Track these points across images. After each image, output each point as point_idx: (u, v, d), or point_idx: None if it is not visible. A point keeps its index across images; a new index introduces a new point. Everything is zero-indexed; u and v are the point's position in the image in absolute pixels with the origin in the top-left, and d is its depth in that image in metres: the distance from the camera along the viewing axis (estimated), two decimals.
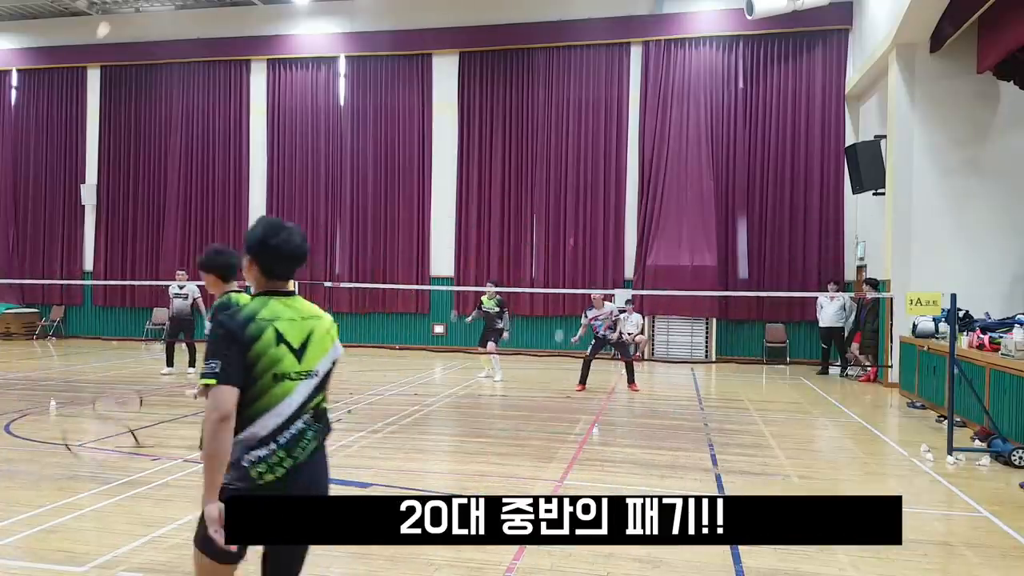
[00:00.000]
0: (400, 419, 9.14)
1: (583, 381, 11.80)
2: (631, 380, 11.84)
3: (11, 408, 9.49)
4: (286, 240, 2.82)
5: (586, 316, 11.90)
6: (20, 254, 20.24)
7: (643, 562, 4.62)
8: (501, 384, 12.36)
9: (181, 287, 12.87)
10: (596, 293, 11.97)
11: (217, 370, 2.62)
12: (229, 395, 2.61)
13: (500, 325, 12.59)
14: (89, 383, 11.97)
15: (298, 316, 2.82)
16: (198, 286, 12.81)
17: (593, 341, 11.80)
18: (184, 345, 13.05)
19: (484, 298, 12.78)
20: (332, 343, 2.93)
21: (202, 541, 2.69)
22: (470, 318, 13.16)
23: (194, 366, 13.00)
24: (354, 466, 6.85)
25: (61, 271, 19.80)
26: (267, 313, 2.75)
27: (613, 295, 12.37)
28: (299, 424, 2.78)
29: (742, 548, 4.85)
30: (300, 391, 2.78)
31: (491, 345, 12.71)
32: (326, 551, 4.74)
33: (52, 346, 18.22)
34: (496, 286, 13.32)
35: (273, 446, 2.71)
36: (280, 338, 2.73)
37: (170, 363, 12.98)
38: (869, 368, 13.35)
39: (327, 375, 2.90)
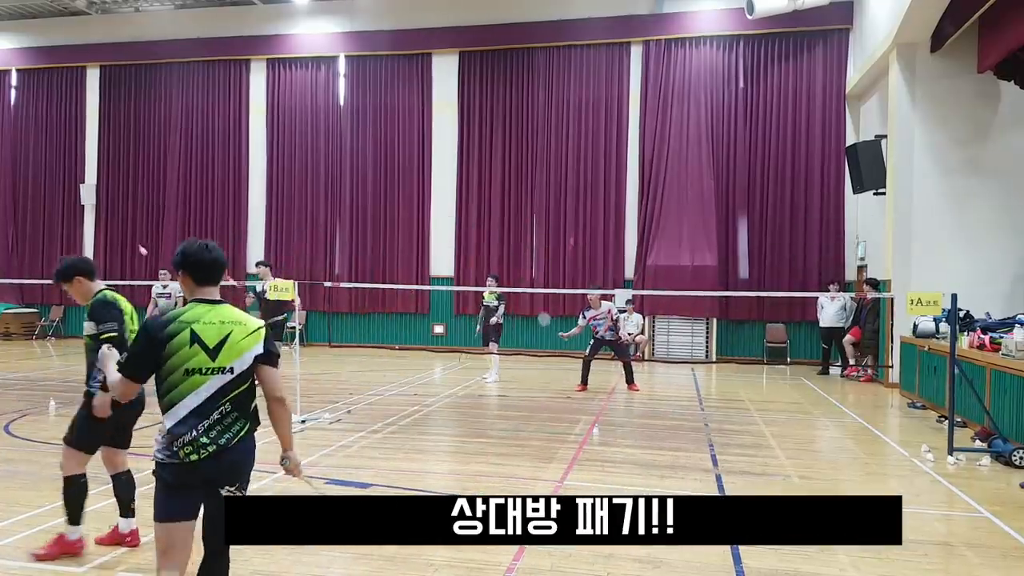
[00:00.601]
0: (400, 419, 9.13)
1: (584, 381, 11.79)
2: (630, 380, 11.83)
3: (11, 408, 9.49)
4: (200, 252, 3.31)
5: (584, 316, 11.88)
6: (20, 254, 20.24)
7: (643, 562, 4.61)
8: (495, 385, 12.31)
9: (165, 287, 12.86)
10: (593, 293, 11.91)
11: (123, 362, 3.29)
12: (125, 387, 3.26)
13: (495, 319, 12.51)
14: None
15: (218, 320, 3.26)
16: None
17: (592, 341, 11.79)
18: None
19: (486, 292, 12.73)
20: (252, 346, 3.31)
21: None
22: (478, 328, 12.93)
23: None
24: (354, 466, 6.84)
25: None
26: (188, 316, 3.23)
27: (613, 295, 12.33)
28: (215, 414, 3.20)
29: (742, 548, 4.85)
30: (212, 384, 3.20)
31: (493, 345, 12.70)
32: (326, 551, 4.74)
33: (51, 346, 18.22)
34: (497, 281, 13.26)
35: (194, 432, 3.14)
36: (195, 338, 3.17)
37: None
38: (869, 368, 13.35)
39: (246, 372, 3.29)
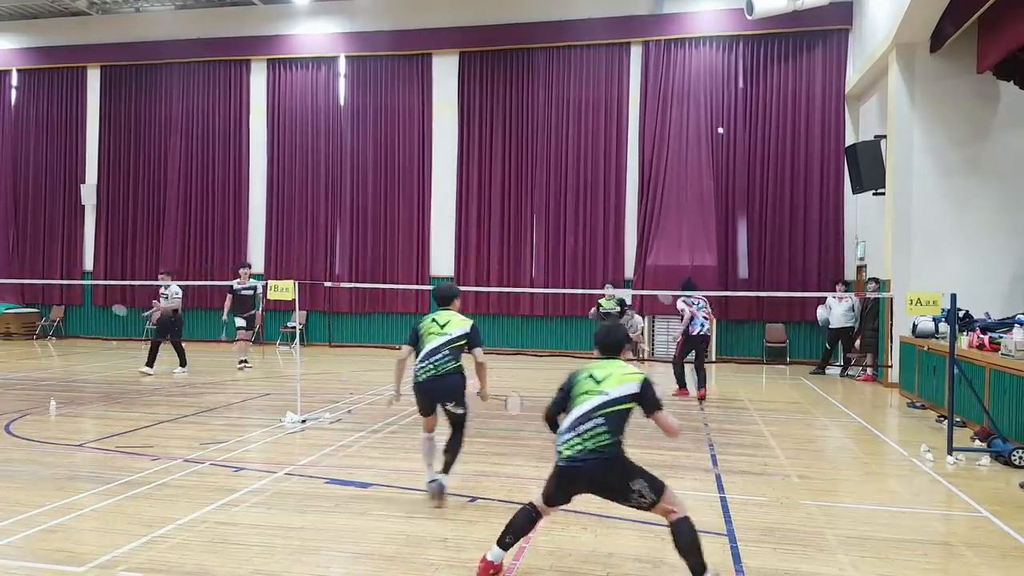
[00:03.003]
0: (400, 419, 9.13)
1: (682, 384, 11.34)
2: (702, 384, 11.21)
3: (11, 408, 9.50)
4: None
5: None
6: (20, 254, 20.24)
7: (643, 562, 4.62)
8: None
9: (166, 287, 12.92)
10: (665, 294, 11.67)
11: None
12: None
13: (635, 335, 12.27)
14: (89, 383, 11.97)
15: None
16: (179, 286, 13.09)
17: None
18: (171, 344, 13.07)
19: (603, 300, 12.49)
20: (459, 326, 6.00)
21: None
22: (592, 314, 12.91)
23: (184, 365, 13.02)
24: (354, 466, 6.85)
25: (61, 271, 19.81)
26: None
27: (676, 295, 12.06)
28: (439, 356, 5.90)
29: (742, 548, 4.86)
30: (439, 341, 5.88)
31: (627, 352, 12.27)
32: (326, 550, 4.74)
33: (52, 346, 18.22)
34: (615, 287, 13.19)
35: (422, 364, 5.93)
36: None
37: (151, 363, 12.80)
38: (868, 368, 13.35)
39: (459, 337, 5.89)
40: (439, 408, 5.87)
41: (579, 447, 4.04)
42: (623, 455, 4.13)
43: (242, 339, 13.80)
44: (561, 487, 4.18)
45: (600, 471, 4.06)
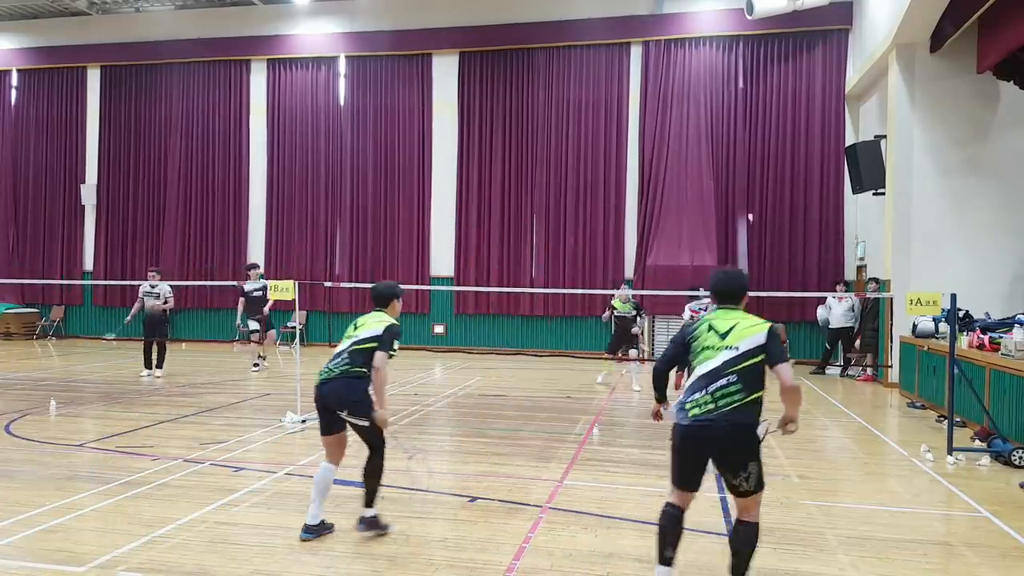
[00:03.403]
0: (400, 419, 9.14)
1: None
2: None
3: (11, 408, 9.50)
4: None
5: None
6: (20, 254, 20.24)
7: (643, 562, 4.61)
8: (638, 393, 11.65)
9: (153, 287, 12.57)
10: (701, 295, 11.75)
11: None
12: None
13: (635, 330, 12.04)
14: (89, 383, 11.97)
15: None
16: (170, 286, 12.88)
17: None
18: (156, 344, 12.69)
19: (617, 301, 12.08)
20: None
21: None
22: (605, 317, 12.64)
23: (162, 367, 12.67)
24: (354, 466, 6.82)
25: (61, 271, 19.81)
26: None
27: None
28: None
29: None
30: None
31: (632, 352, 12.21)
32: (326, 550, 4.74)
33: (52, 346, 18.22)
34: (630, 287, 13.15)
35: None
36: None
37: (148, 365, 12.64)
38: (868, 368, 13.35)
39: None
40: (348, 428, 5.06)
41: (710, 405, 3.76)
42: (757, 419, 3.82)
43: (255, 341, 13.74)
44: (687, 453, 3.88)
45: (731, 435, 3.77)
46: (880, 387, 12.65)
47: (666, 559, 3.92)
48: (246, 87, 18.98)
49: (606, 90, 17.03)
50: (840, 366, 14.25)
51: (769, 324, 3.96)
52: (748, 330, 3.89)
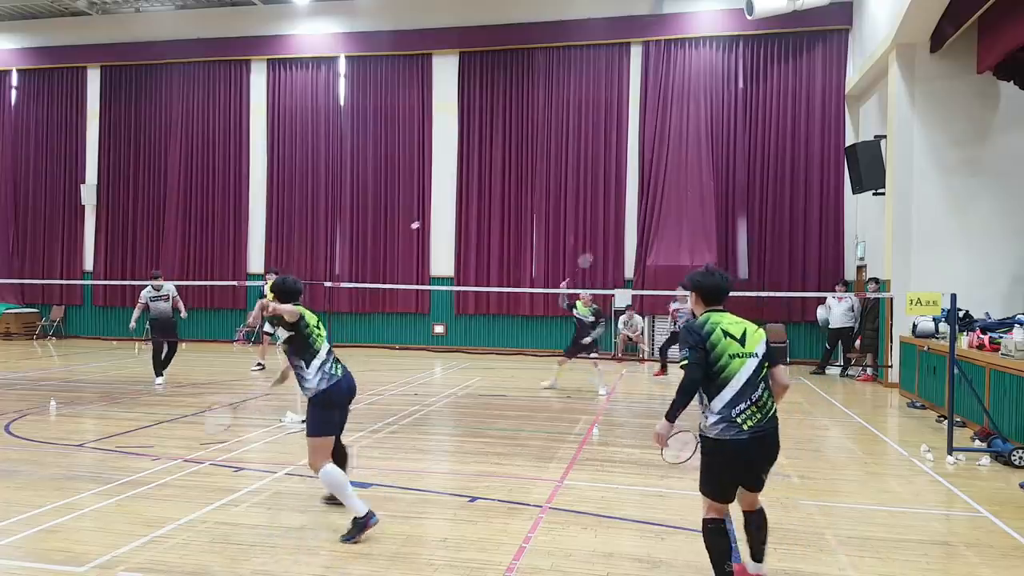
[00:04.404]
0: (400, 419, 9.14)
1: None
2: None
3: (11, 408, 9.50)
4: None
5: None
6: (20, 254, 20.25)
7: (643, 562, 4.62)
8: (604, 396, 11.38)
9: (158, 289, 11.87)
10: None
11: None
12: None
13: (587, 340, 11.60)
14: (89, 383, 11.97)
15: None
16: (174, 285, 12.45)
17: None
18: (166, 345, 12.03)
19: (580, 303, 11.80)
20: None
21: None
22: (560, 301, 12.19)
23: (166, 367, 12.03)
24: (354, 466, 6.84)
25: (61, 271, 19.81)
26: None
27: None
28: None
29: (742, 548, 4.85)
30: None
31: (594, 355, 11.88)
32: (326, 550, 4.74)
33: (52, 346, 18.22)
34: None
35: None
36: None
37: (160, 372, 11.86)
38: (868, 368, 13.34)
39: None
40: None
41: (758, 415, 3.76)
42: None
43: (266, 343, 13.72)
44: (741, 465, 3.83)
45: (776, 440, 3.86)
46: (880, 387, 12.65)
47: (729, 573, 3.88)
48: (246, 87, 18.98)
49: (606, 90, 17.03)
50: (840, 366, 14.25)
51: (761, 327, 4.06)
52: (757, 334, 3.94)
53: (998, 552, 4.93)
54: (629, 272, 16.85)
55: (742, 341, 3.85)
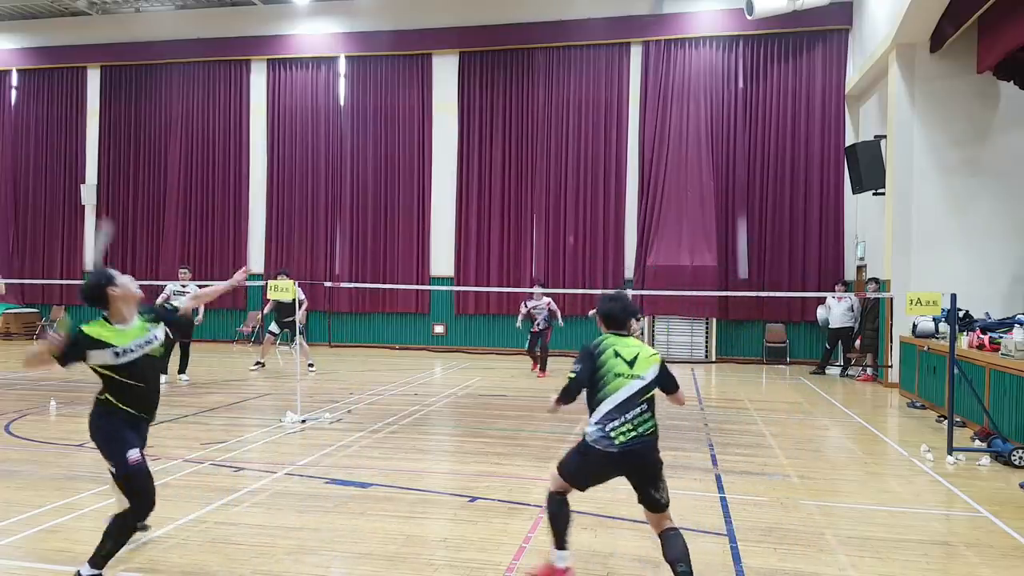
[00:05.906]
0: (400, 419, 9.14)
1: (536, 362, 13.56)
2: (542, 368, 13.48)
3: (11, 408, 9.50)
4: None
5: (525, 306, 13.41)
6: (20, 254, 20.25)
7: (643, 562, 4.62)
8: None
9: (184, 286, 11.90)
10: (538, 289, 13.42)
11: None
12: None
13: (538, 342, 13.43)
14: (89, 383, 11.93)
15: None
16: (197, 285, 12.36)
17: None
18: (179, 346, 12.03)
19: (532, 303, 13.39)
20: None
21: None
22: (519, 321, 13.61)
23: (186, 366, 12.17)
24: (354, 466, 6.85)
25: (61, 271, 19.81)
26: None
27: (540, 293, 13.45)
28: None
29: (742, 548, 4.86)
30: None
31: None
32: (327, 550, 4.74)
33: None
34: (543, 287, 13.85)
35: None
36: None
37: (183, 369, 11.97)
38: (868, 368, 13.34)
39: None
40: None
41: (632, 433, 4.00)
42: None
43: (270, 343, 13.72)
44: (602, 471, 4.14)
45: (650, 454, 4.07)
46: (880, 387, 12.65)
47: (565, 544, 4.21)
48: (246, 87, 18.98)
49: (606, 90, 17.03)
50: (840, 366, 14.26)
51: (660, 355, 4.23)
52: (649, 360, 4.13)
53: (998, 552, 4.93)
54: (629, 272, 16.84)
55: (631, 363, 4.07)
